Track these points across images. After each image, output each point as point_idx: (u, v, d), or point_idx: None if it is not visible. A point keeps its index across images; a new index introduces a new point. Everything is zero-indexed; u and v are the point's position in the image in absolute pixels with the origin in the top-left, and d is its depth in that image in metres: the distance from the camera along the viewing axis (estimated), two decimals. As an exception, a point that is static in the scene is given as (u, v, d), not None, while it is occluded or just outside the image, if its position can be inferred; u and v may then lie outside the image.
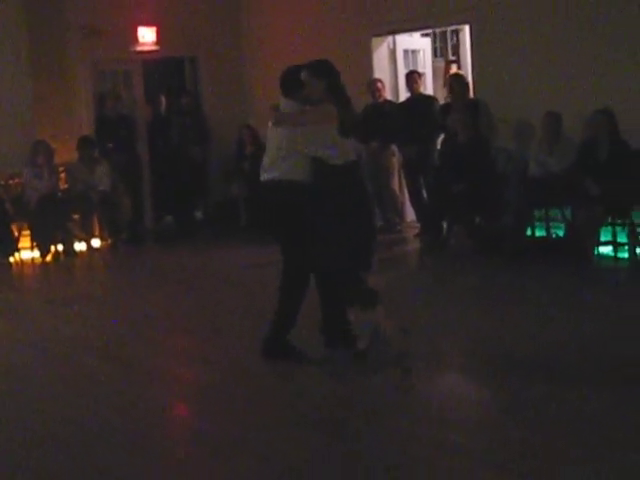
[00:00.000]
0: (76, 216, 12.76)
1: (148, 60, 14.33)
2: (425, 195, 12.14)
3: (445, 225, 11.13)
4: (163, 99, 14.63)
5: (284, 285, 6.84)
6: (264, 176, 6.80)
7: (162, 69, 15.49)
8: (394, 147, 12.58)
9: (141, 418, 5.91)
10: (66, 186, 12.96)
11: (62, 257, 12.28)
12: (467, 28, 12.63)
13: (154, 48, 14.15)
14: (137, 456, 5.26)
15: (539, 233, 10.47)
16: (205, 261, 11.63)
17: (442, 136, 11.84)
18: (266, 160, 6.83)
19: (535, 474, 4.66)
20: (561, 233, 10.29)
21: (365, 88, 12.33)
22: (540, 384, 5.97)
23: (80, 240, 12.71)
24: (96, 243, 12.86)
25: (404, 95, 12.84)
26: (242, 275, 10.55)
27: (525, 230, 10.39)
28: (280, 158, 6.68)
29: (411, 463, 4.91)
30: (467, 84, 11.81)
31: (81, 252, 12.60)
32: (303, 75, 6.69)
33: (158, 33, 14.13)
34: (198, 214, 14.75)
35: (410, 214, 12.82)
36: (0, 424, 5.92)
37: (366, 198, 6.99)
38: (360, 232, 6.74)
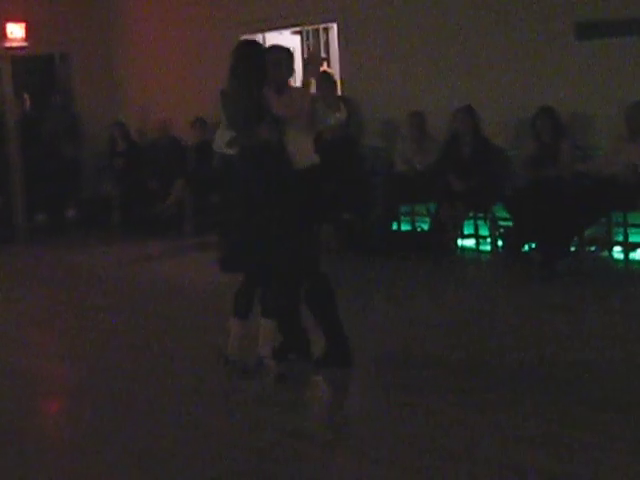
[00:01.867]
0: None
1: (17, 57, 14.15)
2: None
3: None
4: (27, 97, 14.48)
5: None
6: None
7: (33, 66, 15.30)
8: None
9: (14, 419, 5.91)
10: None
11: None
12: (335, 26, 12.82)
13: (23, 44, 13.99)
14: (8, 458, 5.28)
15: (405, 227, 10.76)
16: (76, 259, 11.59)
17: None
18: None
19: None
20: (426, 227, 10.58)
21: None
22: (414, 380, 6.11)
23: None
24: (-34, 243, 12.71)
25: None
26: (113, 273, 10.56)
27: (391, 226, 10.67)
28: None
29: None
30: (335, 82, 11.95)
31: (-50, 252, 12.44)
32: None
33: (27, 29, 13.97)
34: (71, 212, 14.64)
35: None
36: None
37: None
38: None
